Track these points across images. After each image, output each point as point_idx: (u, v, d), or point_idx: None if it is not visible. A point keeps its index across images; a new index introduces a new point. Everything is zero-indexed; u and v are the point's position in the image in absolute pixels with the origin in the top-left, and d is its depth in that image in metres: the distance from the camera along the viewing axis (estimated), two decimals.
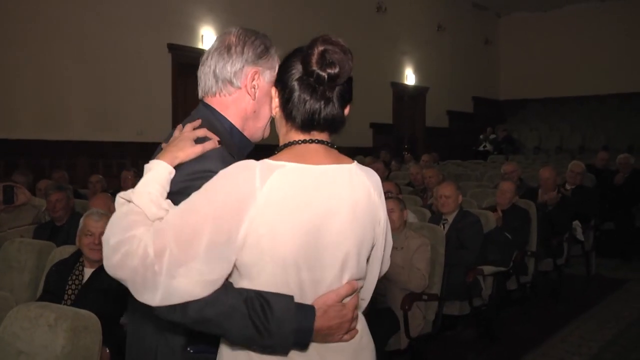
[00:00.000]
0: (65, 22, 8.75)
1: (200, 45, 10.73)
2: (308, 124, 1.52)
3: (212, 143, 1.62)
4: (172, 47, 10.21)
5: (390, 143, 13.28)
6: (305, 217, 1.44)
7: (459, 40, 15.61)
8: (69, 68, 8.58)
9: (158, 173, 1.55)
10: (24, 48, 8.18)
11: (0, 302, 2.63)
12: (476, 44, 16.62)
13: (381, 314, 4.00)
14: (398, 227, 4.31)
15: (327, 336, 1.49)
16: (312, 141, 1.53)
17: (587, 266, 6.98)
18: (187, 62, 10.11)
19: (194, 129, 1.65)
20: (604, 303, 6.16)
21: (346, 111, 1.59)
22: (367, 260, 1.58)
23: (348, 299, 1.50)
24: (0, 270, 3.91)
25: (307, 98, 1.50)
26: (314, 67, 1.46)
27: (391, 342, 4.09)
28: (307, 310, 1.47)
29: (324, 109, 1.53)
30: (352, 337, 1.55)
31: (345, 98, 1.56)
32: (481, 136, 14.46)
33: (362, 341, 1.59)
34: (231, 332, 1.47)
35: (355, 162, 1.55)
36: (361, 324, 1.59)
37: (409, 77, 14.73)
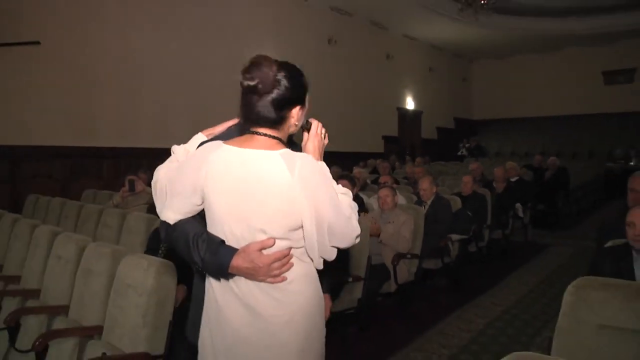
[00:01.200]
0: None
1: None
2: (245, 120, 1.53)
3: (223, 127, 1.73)
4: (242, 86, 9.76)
5: (396, 150, 13.85)
6: (228, 185, 1.46)
7: (443, 78, 16.41)
8: (173, 91, 8.39)
9: (195, 139, 1.68)
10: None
11: (119, 253, 2.82)
12: (456, 81, 17.74)
13: (377, 267, 4.22)
14: (391, 207, 4.53)
15: (250, 275, 1.47)
16: (251, 132, 1.52)
17: (525, 235, 7.36)
18: None
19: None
20: (535, 260, 6.45)
21: (292, 112, 1.53)
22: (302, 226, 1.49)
23: (270, 250, 1.47)
24: (125, 233, 4.22)
25: (242, 101, 1.51)
26: (241, 79, 1.47)
27: (384, 287, 4.26)
28: (227, 252, 1.48)
29: (254, 109, 1.48)
30: (275, 282, 1.49)
31: (282, 103, 1.49)
32: (460, 145, 14.39)
33: (291, 286, 1.52)
34: (182, 253, 1.56)
35: (284, 150, 1.49)
36: (295, 275, 1.52)
37: (409, 103, 15.63)
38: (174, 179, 1.54)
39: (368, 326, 4.10)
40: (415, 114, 15.66)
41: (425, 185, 5.17)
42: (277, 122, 1.50)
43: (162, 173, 1.59)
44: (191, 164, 1.52)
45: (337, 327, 4.01)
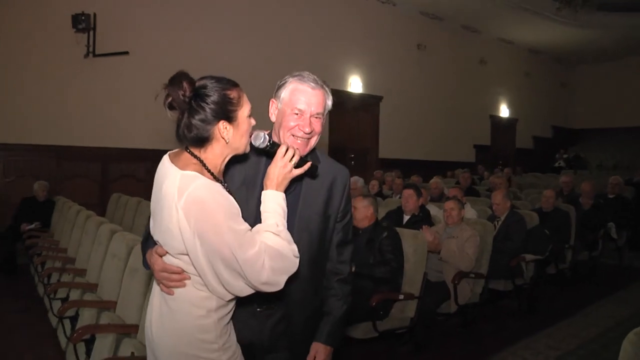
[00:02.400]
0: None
1: (349, 89, 10.68)
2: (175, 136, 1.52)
3: None
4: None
5: (487, 159, 13.21)
6: (154, 194, 1.49)
7: (541, 84, 15.36)
8: (258, 95, 8.61)
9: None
10: None
11: None
12: (555, 86, 16.50)
13: (436, 285, 4.03)
14: (456, 221, 4.25)
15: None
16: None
17: (619, 258, 6.50)
18: (339, 101, 10.07)
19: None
20: (629, 288, 5.69)
21: (215, 130, 1.45)
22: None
23: (166, 259, 1.50)
24: None
25: None
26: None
27: (443, 307, 4.01)
28: (148, 246, 1.59)
29: (178, 127, 1.46)
30: (164, 290, 1.50)
31: (198, 123, 1.45)
32: (557, 155, 13.28)
33: (174, 303, 1.49)
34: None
35: (188, 172, 1.40)
36: (181, 296, 1.49)
37: (504, 111, 14.96)
38: None
39: (424, 347, 3.86)
40: (510, 122, 14.85)
41: (498, 200, 4.81)
42: (198, 141, 1.46)
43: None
44: None
45: (388, 345, 3.84)
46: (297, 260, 1.48)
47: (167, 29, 7.73)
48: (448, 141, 12.57)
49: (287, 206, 1.59)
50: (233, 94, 1.44)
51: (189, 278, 1.47)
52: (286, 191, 1.59)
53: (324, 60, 9.69)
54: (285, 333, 1.76)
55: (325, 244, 1.81)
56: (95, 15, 6.86)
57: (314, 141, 1.71)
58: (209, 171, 1.46)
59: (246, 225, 1.42)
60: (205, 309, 1.47)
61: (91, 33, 6.93)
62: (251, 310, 1.70)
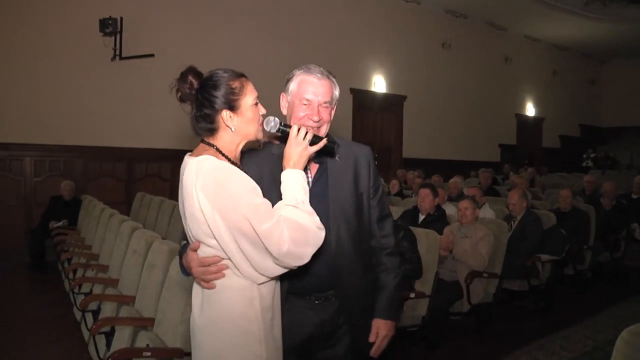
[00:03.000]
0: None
1: (372, 89, 10.68)
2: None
3: None
4: (352, 90, 10.04)
5: (513, 159, 12.96)
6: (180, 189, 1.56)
7: (569, 82, 15.08)
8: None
9: None
10: None
11: (176, 250, 2.94)
12: (583, 84, 16.07)
13: (449, 284, 4.07)
14: (470, 220, 4.24)
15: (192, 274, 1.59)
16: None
17: None
18: (363, 100, 10.29)
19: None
20: None
21: (219, 119, 1.55)
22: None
23: (201, 254, 1.54)
24: None
25: None
26: None
27: (456, 305, 4.03)
28: (183, 249, 1.63)
29: (191, 119, 1.59)
30: (205, 287, 1.54)
31: (204, 113, 1.55)
32: (584, 155, 12.93)
33: (216, 296, 1.53)
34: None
35: (203, 156, 1.48)
36: (222, 285, 1.52)
37: (530, 110, 14.70)
38: None
39: (436, 345, 3.88)
40: (536, 121, 14.60)
41: (514, 200, 4.78)
42: (208, 130, 1.56)
43: None
44: None
45: (398, 343, 3.86)
46: (322, 232, 1.49)
47: (191, 30, 7.88)
48: (473, 140, 12.44)
49: (318, 193, 1.69)
50: (235, 83, 1.52)
51: (227, 267, 1.50)
52: (314, 179, 1.72)
53: (348, 60, 9.72)
54: (345, 321, 1.81)
55: (365, 222, 1.84)
56: (122, 19, 7.06)
57: (323, 130, 1.75)
58: (223, 155, 1.53)
59: (264, 200, 1.46)
60: (248, 297, 1.51)
61: (118, 36, 7.14)
62: (309, 304, 1.75)
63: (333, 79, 1.77)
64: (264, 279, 1.50)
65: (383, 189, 1.97)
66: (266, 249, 1.41)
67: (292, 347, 1.73)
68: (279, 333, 1.63)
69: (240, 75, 1.56)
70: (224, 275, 1.51)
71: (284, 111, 1.80)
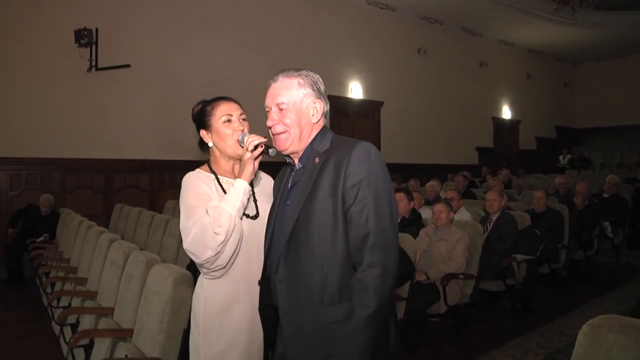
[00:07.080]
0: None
1: (349, 95, 10.81)
2: None
3: None
4: (329, 97, 9.87)
5: (490, 162, 13.19)
6: None
7: (543, 84, 15.38)
8: (258, 107, 8.80)
9: None
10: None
11: (153, 261, 3.00)
12: (557, 87, 16.29)
13: (426, 287, 4.05)
14: (445, 223, 4.31)
15: None
16: None
17: (616, 257, 6.47)
18: (339, 107, 10.28)
19: None
20: (625, 285, 5.71)
21: (203, 136, 1.90)
22: None
23: None
24: None
25: None
26: None
27: (434, 307, 4.04)
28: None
29: None
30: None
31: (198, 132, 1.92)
32: (560, 156, 13.20)
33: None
34: None
35: (196, 170, 1.87)
36: None
37: (506, 113, 15.00)
38: None
39: (415, 347, 3.94)
40: (512, 124, 14.92)
41: (493, 197, 4.89)
42: (201, 147, 1.93)
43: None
44: None
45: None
46: (217, 237, 1.63)
47: (167, 41, 7.91)
48: (450, 144, 12.63)
49: (292, 201, 1.57)
50: (208, 107, 1.83)
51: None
52: (290, 187, 1.61)
53: (324, 67, 9.71)
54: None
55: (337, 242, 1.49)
56: (97, 30, 7.05)
57: (295, 133, 1.59)
58: (210, 168, 1.86)
59: (200, 204, 1.72)
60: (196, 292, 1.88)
61: (93, 47, 7.13)
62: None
63: (294, 76, 1.61)
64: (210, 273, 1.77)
65: (378, 193, 1.55)
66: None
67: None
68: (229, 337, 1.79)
69: (219, 99, 1.85)
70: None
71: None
